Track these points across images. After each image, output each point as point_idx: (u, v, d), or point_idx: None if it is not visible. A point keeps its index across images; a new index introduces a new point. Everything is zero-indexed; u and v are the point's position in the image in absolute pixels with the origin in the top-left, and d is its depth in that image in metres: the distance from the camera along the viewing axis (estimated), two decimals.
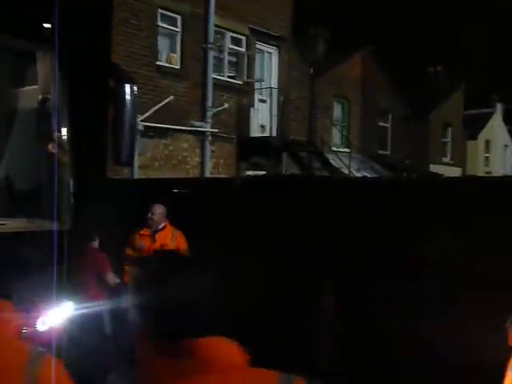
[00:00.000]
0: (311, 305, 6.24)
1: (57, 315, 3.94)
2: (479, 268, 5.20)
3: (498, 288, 5.02)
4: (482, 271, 5.18)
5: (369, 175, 16.85)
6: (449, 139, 25.75)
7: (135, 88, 4.84)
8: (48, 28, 4.22)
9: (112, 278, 6.47)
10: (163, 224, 6.39)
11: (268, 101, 13.95)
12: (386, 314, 5.79)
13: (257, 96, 13.95)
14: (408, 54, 18.49)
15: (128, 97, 4.69)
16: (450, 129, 25.61)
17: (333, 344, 6.10)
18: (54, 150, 4.47)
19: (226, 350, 1.35)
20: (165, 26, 11.91)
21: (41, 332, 3.86)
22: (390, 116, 21.59)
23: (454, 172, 24.96)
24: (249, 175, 12.98)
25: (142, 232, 6.41)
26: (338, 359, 6.01)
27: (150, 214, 6.31)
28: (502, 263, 5.06)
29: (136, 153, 10.62)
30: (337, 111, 18.60)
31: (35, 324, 3.86)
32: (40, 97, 4.45)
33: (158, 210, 6.35)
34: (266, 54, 14.58)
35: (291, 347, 6.40)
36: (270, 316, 6.74)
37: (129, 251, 6.46)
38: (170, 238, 6.36)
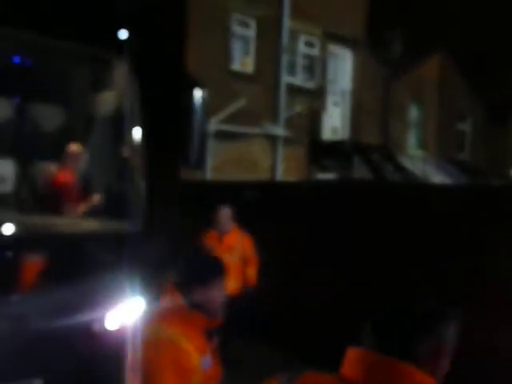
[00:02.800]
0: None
1: (127, 313, 4.08)
2: None
3: None
4: None
5: (444, 180, 16.38)
6: None
7: (205, 93, 4.94)
8: (123, 36, 4.37)
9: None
10: (230, 227, 6.48)
11: (341, 103, 13.85)
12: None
13: (330, 99, 13.88)
14: (487, 54, 17.83)
15: (197, 102, 4.79)
16: None
17: None
18: (127, 154, 4.62)
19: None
20: (239, 30, 12.06)
21: (110, 330, 4.02)
22: (468, 118, 20.91)
23: None
24: (320, 179, 12.93)
25: (210, 234, 6.53)
26: None
27: (217, 217, 6.43)
28: None
29: (208, 155, 10.86)
30: (412, 114, 18.20)
31: (105, 322, 4.02)
32: (115, 102, 4.62)
33: (226, 212, 6.45)
34: (339, 57, 14.48)
35: None
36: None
37: None
38: (237, 241, 6.44)
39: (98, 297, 4.00)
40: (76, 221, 4.32)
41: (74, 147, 4.77)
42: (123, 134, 4.51)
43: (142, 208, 5.07)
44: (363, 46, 14.78)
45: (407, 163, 14.80)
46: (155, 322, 2.12)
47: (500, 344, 5.25)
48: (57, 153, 4.80)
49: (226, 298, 2.36)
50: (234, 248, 6.39)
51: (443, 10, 17.02)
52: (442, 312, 1.48)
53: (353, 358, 1.40)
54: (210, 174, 10.87)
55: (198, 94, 4.74)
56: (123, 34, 4.36)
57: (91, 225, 4.35)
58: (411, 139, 17.66)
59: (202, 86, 5.08)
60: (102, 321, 3.98)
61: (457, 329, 1.49)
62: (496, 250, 5.42)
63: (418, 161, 15.06)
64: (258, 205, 7.84)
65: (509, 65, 22.60)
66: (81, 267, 3.96)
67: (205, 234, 6.57)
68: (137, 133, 4.98)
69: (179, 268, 2.31)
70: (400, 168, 14.04)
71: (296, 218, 7.46)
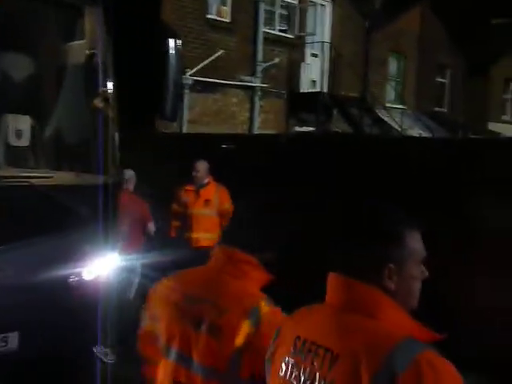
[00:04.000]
0: None
1: (102, 266, 4.08)
2: None
3: None
4: None
5: (422, 133, 16.45)
6: (510, 96, 24.76)
7: (179, 43, 4.82)
8: None
9: (152, 228, 6.60)
10: (207, 180, 6.50)
11: (320, 55, 13.69)
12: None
13: (308, 50, 13.70)
14: (470, 5, 17.68)
15: (173, 52, 4.68)
16: (511, 85, 24.59)
17: None
18: (100, 105, 4.53)
19: None
20: None
21: (87, 281, 4.02)
22: (448, 71, 20.88)
23: None
24: (297, 131, 12.88)
25: (187, 188, 6.53)
26: None
27: (193, 171, 6.42)
28: None
29: (185, 107, 10.72)
30: (392, 67, 18.09)
31: (82, 274, 4.02)
32: (87, 52, 4.50)
33: (202, 165, 6.46)
34: (319, 7, 14.23)
35: None
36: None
37: (174, 206, 6.60)
38: (214, 194, 6.46)
39: (74, 250, 3.99)
40: (50, 173, 4.26)
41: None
42: (96, 85, 4.42)
43: (116, 160, 5.01)
44: None
45: (386, 116, 14.79)
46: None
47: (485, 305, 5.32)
48: (28, 104, 4.68)
49: None
50: (211, 201, 6.42)
51: None
52: (403, 220, 1.54)
53: (328, 283, 1.55)
54: (186, 127, 10.77)
55: (173, 43, 4.64)
56: None
57: (65, 177, 4.30)
58: (390, 92, 17.61)
59: (177, 36, 4.96)
60: (78, 274, 3.98)
61: (421, 240, 1.53)
62: (472, 205, 5.48)
63: (397, 114, 15.06)
64: (235, 157, 7.79)
65: (490, 16, 22.47)
66: (56, 220, 3.93)
67: (182, 188, 6.56)
68: (110, 83, 4.88)
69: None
70: (378, 121, 14.05)
71: (273, 171, 7.45)
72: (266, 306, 1.97)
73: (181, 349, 2.01)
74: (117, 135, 5.13)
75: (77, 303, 3.91)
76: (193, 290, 2.06)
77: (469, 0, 17.63)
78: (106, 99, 4.66)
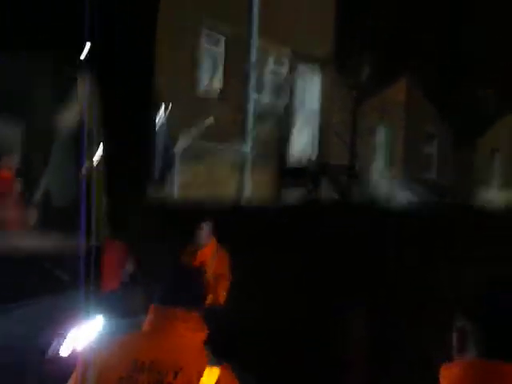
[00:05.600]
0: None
1: (85, 333, 3.96)
2: None
3: None
4: None
5: (412, 200, 16.51)
6: (497, 165, 25.08)
7: (171, 110, 4.90)
8: (88, 51, 4.31)
9: (130, 267, 6.73)
10: (208, 242, 6.39)
11: (309, 124, 13.92)
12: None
13: (298, 119, 13.93)
14: (456, 76, 18.22)
15: (163, 120, 4.75)
16: (496, 155, 24.95)
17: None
18: (88, 170, 4.55)
19: None
20: (208, 46, 12.05)
21: (66, 354, 3.88)
22: (435, 141, 21.25)
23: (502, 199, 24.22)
24: (286, 202, 12.90)
25: (188, 247, 6.46)
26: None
27: (196, 231, 6.37)
28: None
29: (176, 173, 10.76)
30: (380, 136, 18.40)
31: (61, 346, 3.89)
32: (78, 118, 4.56)
33: (204, 227, 6.39)
34: (308, 77, 14.57)
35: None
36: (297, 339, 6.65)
37: None
38: (211, 257, 6.33)
39: (54, 317, 3.89)
40: (34, 236, 4.21)
41: None
42: (85, 150, 4.44)
43: (103, 224, 4.97)
44: (332, 67, 14.90)
45: (375, 184, 14.90)
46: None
47: None
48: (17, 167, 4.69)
49: None
50: (207, 264, 6.27)
51: (407, 36, 17.31)
52: None
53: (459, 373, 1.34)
54: (177, 192, 10.77)
55: (163, 111, 4.71)
56: (88, 50, 4.30)
57: (50, 241, 4.25)
58: (379, 160, 17.82)
59: (168, 104, 5.05)
60: (57, 344, 3.86)
61: None
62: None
63: (386, 182, 15.19)
64: (224, 228, 7.76)
65: (475, 87, 23.07)
66: (38, 285, 3.85)
67: (186, 249, 6.47)
68: (99, 149, 4.91)
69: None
70: (368, 189, 14.14)
71: (262, 241, 7.41)
72: (217, 364, 2.05)
73: None
74: (104, 200, 5.11)
75: (53, 377, 3.77)
76: (140, 356, 2.02)
77: (453, 71, 18.13)
78: (95, 164, 4.67)
